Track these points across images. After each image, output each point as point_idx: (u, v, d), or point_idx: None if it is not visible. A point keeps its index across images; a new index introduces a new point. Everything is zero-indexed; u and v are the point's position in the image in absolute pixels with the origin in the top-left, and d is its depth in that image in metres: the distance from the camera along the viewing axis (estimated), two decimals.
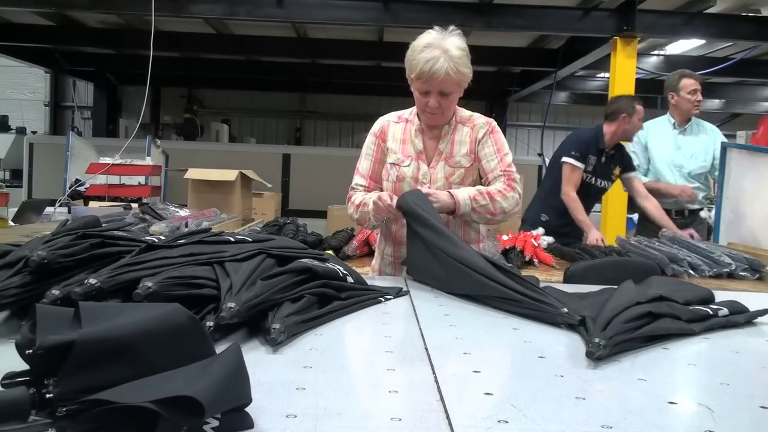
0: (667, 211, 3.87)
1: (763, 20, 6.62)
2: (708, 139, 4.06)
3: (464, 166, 2.17)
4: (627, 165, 3.85)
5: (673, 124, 4.05)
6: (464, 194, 2.08)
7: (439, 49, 2.02)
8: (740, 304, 1.55)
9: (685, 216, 3.99)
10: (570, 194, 3.68)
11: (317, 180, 8.85)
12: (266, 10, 6.35)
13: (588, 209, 3.84)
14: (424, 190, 2.05)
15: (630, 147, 4.00)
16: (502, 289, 1.53)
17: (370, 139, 2.27)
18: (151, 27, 5.18)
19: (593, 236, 3.54)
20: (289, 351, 1.13)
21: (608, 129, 3.76)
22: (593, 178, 3.79)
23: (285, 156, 9.56)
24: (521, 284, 1.55)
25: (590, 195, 3.86)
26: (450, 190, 2.10)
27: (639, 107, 3.74)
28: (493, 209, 2.10)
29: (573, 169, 3.70)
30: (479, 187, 2.15)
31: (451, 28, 2.08)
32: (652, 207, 3.82)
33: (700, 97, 3.94)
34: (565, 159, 3.72)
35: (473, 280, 1.61)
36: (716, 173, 3.86)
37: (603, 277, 2.12)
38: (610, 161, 3.81)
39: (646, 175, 4.09)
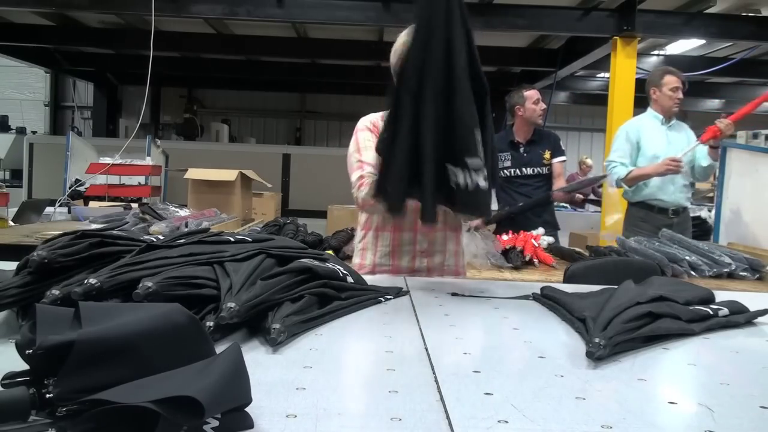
0: (650, 207, 4.00)
1: (763, 20, 6.62)
2: (689, 135, 4.07)
3: None
4: (555, 150, 4.13)
5: (661, 120, 4.05)
6: None
7: None
8: (740, 304, 1.55)
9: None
10: None
11: (317, 180, 8.85)
12: (266, 10, 6.35)
13: (547, 191, 4.12)
14: None
15: (617, 143, 4.11)
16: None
17: (366, 135, 2.23)
18: (151, 27, 5.18)
19: None
20: (289, 351, 1.13)
21: (515, 123, 4.15)
22: (515, 170, 4.08)
23: (285, 156, 9.57)
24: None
25: (531, 184, 4.09)
26: None
27: (527, 93, 4.06)
28: None
29: None
30: None
31: None
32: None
33: (680, 95, 4.00)
34: None
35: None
36: (702, 170, 3.92)
37: (603, 277, 2.12)
38: (535, 148, 4.11)
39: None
